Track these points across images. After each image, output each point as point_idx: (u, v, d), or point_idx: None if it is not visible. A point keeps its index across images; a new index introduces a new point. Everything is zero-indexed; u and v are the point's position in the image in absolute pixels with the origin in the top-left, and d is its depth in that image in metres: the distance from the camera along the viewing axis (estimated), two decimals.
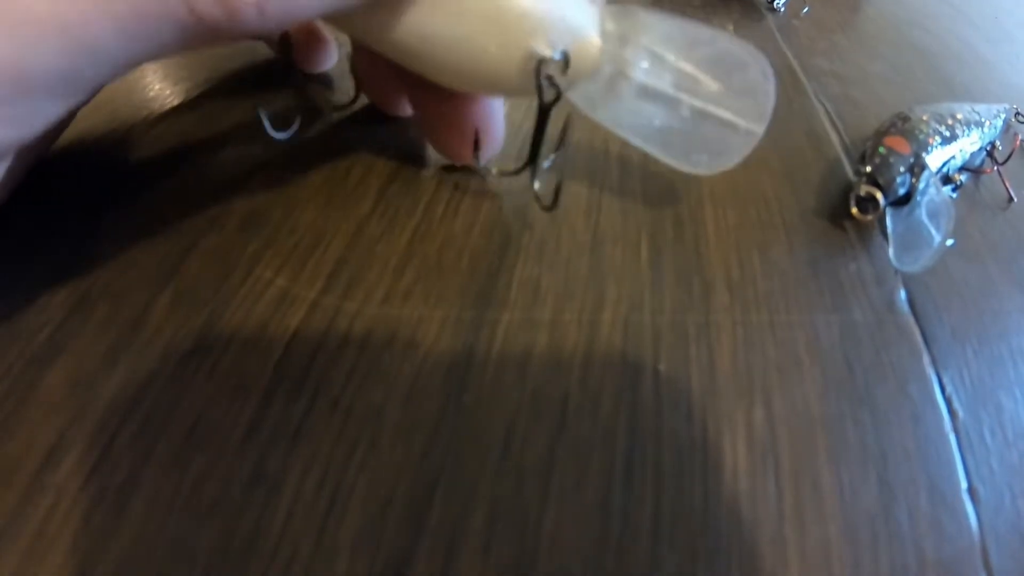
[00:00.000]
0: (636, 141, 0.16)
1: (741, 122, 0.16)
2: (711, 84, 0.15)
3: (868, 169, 0.20)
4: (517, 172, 0.18)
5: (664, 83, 0.15)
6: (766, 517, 0.13)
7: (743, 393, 0.15)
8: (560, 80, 0.14)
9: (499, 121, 0.18)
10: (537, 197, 0.18)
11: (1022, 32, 0.37)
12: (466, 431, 0.13)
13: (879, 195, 0.19)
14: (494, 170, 0.19)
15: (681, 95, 0.15)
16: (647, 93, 0.16)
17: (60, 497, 0.12)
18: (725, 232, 0.19)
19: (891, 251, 0.19)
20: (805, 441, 0.14)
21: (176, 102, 0.21)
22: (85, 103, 0.13)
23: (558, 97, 0.15)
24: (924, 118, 0.22)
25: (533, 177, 0.17)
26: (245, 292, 0.15)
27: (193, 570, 0.11)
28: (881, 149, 0.20)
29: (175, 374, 0.14)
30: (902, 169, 0.20)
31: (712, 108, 0.16)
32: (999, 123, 0.24)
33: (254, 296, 0.15)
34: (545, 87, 0.14)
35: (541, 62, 0.14)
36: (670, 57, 0.15)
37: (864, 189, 0.20)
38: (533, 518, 0.12)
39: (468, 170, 0.19)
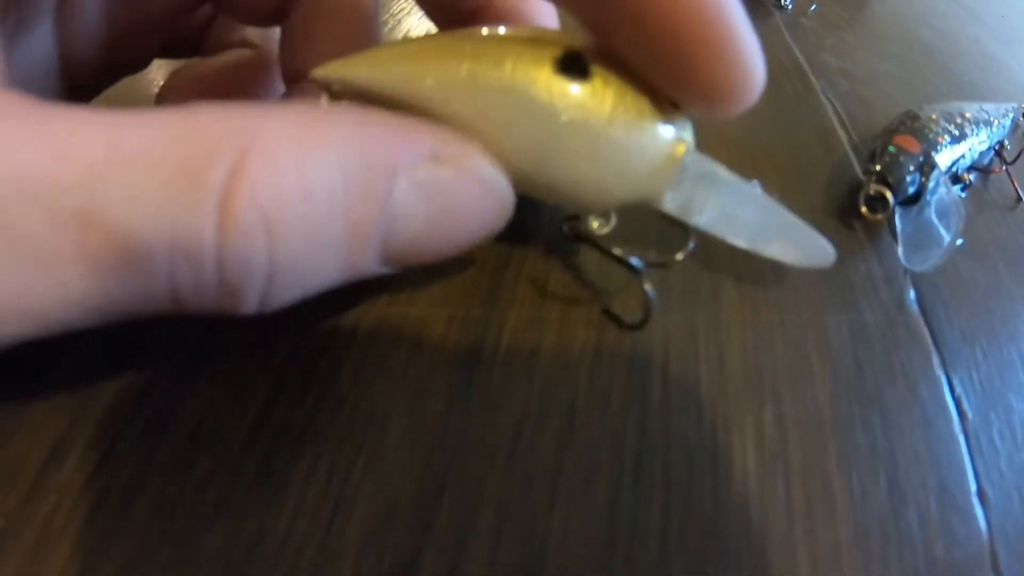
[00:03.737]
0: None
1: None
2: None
3: (877, 168, 0.20)
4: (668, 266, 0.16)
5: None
6: (776, 519, 0.13)
7: (753, 393, 0.15)
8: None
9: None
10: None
11: None
12: (473, 432, 0.13)
13: (889, 194, 0.19)
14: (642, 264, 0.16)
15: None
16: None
17: (63, 498, 0.11)
18: None
19: (900, 250, 0.19)
20: (815, 442, 0.14)
21: None
22: None
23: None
24: (933, 117, 0.22)
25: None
26: None
27: (197, 572, 0.11)
28: (891, 148, 0.20)
29: (178, 374, 0.13)
30: (912, 168, 0.20)
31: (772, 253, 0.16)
32: (1007, 122, 0.24)
33: None
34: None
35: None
36: (737, 225, 0.15)
37: (874, 188, 0.19)
38: (541, 520, 0.12)
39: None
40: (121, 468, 0.12)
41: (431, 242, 0.13)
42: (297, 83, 0.17)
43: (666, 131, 0.13)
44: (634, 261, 0.15)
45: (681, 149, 0.13)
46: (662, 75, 0.13)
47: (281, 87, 0.19)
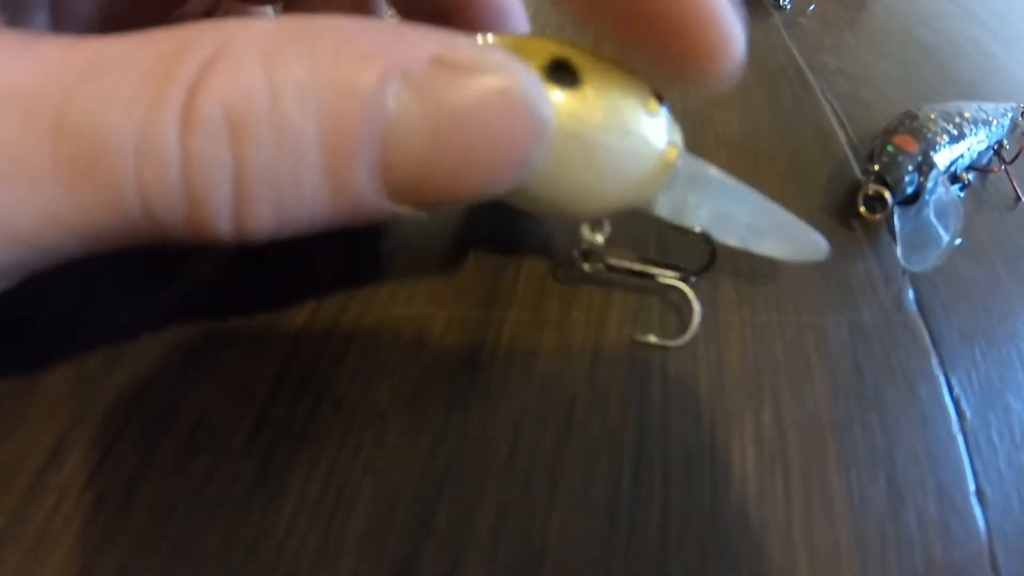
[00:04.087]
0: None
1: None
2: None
3: (876, 168, 0.20)
4: (701, 272, 0.16)
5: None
6: (775, 519, 0.13)
7: (752, 394, 0.15)
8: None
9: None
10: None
11: None
12: (472, 432, 0.13)
13: (887, 194, 0.19)
14: (669, 274, 0.16)
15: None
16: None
17: (62, 497, 0.11)
18: None
19: (899, 250, 0.19)
20: (814, 443, 0.14)
21: None
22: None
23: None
24: (932, 116, 0.22)
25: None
26: (250, 291, 0.15)
27: (196, 571, 0.11)
28: (889, 148, 0.20)
29: (178, 373, 0.13)
30: (910, 168, 0.20)
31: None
32: (1006, 122, 0.24)
33: (258, 295, 0.15)
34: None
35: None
36: (730, 226, 0.15)
37: (872, 188, 0.19)
38: (540, 520, 0.12)
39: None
40: (121, 467, 0.12)
41: (443, 169, 0.10)
42: None
43: (658, 136, 0.13)
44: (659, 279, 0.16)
45: (673, 153, 0.14)
46: (646, 44, 0.12)
47: None
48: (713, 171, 0.15)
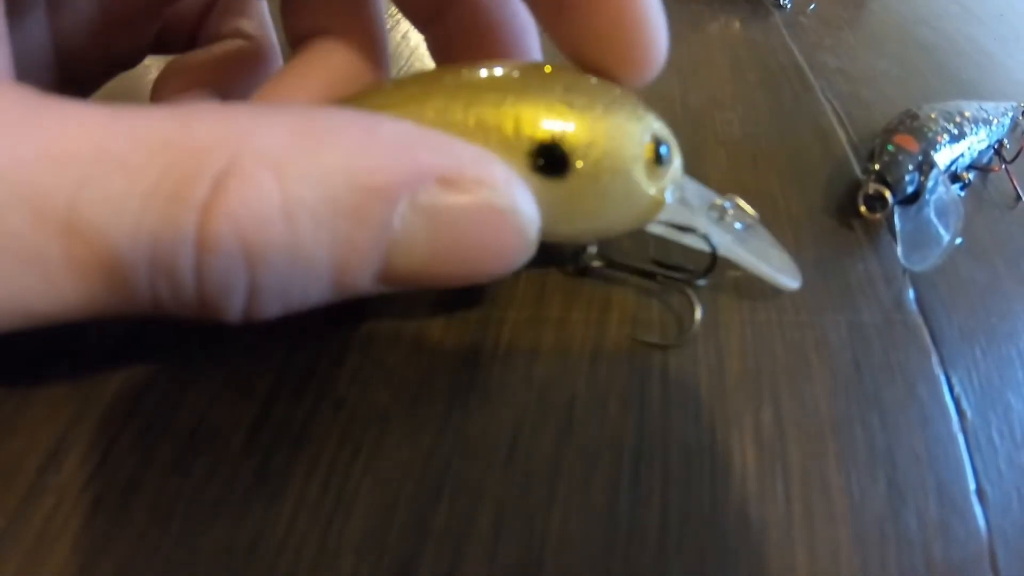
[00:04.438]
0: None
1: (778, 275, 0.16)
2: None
3: (876, 167, 0.20)
4: (705, 274, 0.16)
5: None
6: (774, 519, 0.13)
7: (752, 394, 0.15)
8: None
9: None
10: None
11: None
12: (472, 432, 0.13)
13: (887, 193, 0.19)
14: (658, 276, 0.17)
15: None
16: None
17: (62, 498, 0.11)
18: None
19: (899, 250, 0.19)
20: (814, 443, 0.14)
21: None
22: None
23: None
24: (932, 116, 0.22)
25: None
26: None
27: (195, 572, 0.11)
28: (889, 147, 0.20)
29: (178, 374, 0.13)
30: (911, 167, 0.20)
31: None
32: (1007, 121, 0.24)
33: None
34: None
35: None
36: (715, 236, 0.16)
37: (872, 187, 0.19)
38: (540, 520, 0.12)
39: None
40: (120, 468, 0.12)
41: (437, 272, 0.12)
42: (301, 45, 0.16)
43: (649, 183, 0.14)
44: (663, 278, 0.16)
45: (663, 198, 0.14)
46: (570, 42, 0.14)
47: None
48: (699, 221, 0.16)
